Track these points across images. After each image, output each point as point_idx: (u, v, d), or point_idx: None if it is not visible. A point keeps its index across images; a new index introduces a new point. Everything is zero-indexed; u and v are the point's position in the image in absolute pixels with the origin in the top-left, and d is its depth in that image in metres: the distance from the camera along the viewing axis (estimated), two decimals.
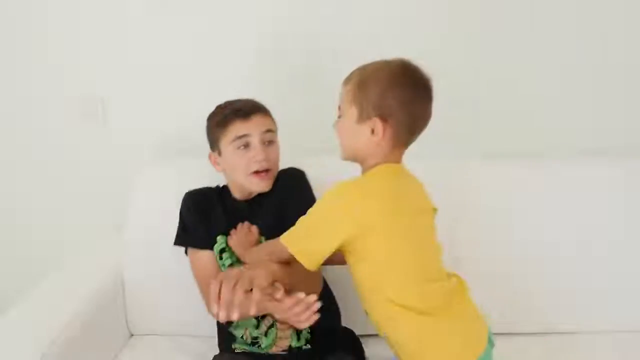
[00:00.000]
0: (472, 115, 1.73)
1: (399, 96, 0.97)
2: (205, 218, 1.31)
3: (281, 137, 1.33)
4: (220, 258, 1.29)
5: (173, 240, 1.33)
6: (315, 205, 1.00)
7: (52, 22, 1.69)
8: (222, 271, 1.26)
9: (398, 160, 1.03)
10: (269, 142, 1.28)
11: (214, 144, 1.31)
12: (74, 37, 1.69)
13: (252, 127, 1.25)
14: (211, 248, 1.29)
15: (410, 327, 0.96)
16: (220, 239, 1.29)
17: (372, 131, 0.98)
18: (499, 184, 1.50)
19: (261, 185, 1.27)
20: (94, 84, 1.73)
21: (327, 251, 0.96)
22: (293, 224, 1.01)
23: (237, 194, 1.34)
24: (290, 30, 1.66)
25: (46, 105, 1.76)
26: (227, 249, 1.28)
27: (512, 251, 1.46)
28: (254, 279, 0.91)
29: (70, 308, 1.25)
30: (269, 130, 1.28)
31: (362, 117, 0.98)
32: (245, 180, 1.27)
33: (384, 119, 0.97)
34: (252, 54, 1.69)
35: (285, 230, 1.01)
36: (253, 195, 1.32)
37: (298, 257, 0.96)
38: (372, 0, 1.64)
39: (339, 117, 1.04)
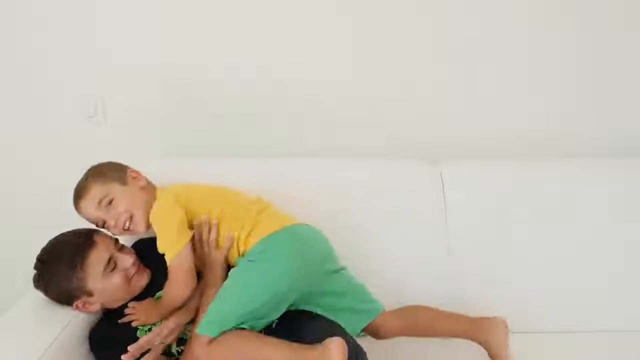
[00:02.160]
0: (472, 115, 1.74)
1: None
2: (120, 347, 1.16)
3: None
4: None
5: None
6: (158, 216, 1.23)
7: (52, 23, 1.68)
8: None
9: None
10: (121, 248, 1.27)
11: (79, 292, 1.20)
12: (74, 37, 1.69)
13: (105, 247, 1.22)
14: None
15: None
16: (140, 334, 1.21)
17: (135, 179, 1.28)
18: (500, 185, 1.50)
19: (145, 277, 1.27)
20: (94, 84, 1.73)
21: (183, 216, 1.23)
22: None
23: (121, 301, 1.25)
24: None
25: (46, 105, 1.76)
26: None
27: (511, 251, 1.46)
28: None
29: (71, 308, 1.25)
30: (116, 241, 1.27)
31: (124, 181, 1.27)
32: (131, 289, 1.25)
33: (130, 170, 1.30)
34: (252, 56, 1.69)
35: None
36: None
37: (182, 247, 1.19)
38: None
39: (109, 202, 1.23)
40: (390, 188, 1.48)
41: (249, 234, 1.23)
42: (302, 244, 1.24)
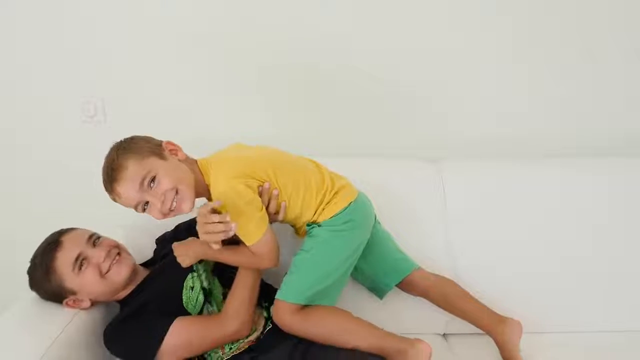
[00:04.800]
0: (472, 115, 1.74)
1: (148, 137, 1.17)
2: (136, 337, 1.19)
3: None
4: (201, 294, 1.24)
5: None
6: (236, 207, 1.10)
7: (52, 23, 1.68)
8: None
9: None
10: (97, 240, 1.25)
11: (62, 292, 1.21)
12: (74, 37, 1.69)
13: (72, 245, 1.20)
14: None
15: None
16: (191, 279, 1.25)
17: (173, 151, 1.14)
18: (499, 184, 1.50)
19: (123, 271, 1.23)
20: (94, 84, 1.73)
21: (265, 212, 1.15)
22: None
23: (110, 294, 1.25)
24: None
25: (46, 105, 1.76)
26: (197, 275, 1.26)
27: (511, 251, 1.46)
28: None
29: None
30: (91, 235, 1.25)
31: (162, 155, 1.12)
32: (110, 282, 1.22)
33: (167, 142, 1.15)
34: (252, 56, 1.69)
35: None
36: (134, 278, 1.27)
37: (261, 235, 1.13)
38: None
39: (152, 180, 1.08)
40: (390, 187, 1.48)
41: (329, 202, 1.22)
42: (370, 208, 1.30)
